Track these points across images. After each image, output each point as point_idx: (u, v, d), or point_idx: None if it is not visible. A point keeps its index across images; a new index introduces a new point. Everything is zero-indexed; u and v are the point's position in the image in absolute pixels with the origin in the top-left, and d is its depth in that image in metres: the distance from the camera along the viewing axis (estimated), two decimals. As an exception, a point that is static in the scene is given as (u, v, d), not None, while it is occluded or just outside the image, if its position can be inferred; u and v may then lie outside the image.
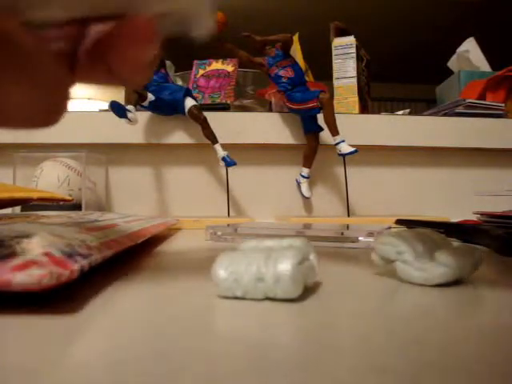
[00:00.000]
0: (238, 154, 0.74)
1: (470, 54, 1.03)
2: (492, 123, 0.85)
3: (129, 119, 0.71)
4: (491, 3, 2.50)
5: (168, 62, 0.91)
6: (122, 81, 0.15)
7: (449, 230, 0.44)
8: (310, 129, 0.78)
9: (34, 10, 0.13)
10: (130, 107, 0.71)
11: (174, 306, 0.18)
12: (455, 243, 0.24)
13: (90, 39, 0.14)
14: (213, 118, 0.75)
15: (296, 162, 0.81)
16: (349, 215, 0.76)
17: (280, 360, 0.12)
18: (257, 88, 0.95)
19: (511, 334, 0.15)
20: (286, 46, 0.76)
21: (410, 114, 0.99)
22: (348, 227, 0.49)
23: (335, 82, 0.88)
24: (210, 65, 0.93)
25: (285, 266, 0.17)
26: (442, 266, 0.21)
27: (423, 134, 0.85)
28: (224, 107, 0.85)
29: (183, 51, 1.08)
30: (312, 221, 0.72)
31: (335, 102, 0.85)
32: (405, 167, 0.88)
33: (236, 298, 0.18)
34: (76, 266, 0.17)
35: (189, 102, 0.74)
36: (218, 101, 0.87)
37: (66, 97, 0.13)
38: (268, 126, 0.82)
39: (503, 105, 0.88)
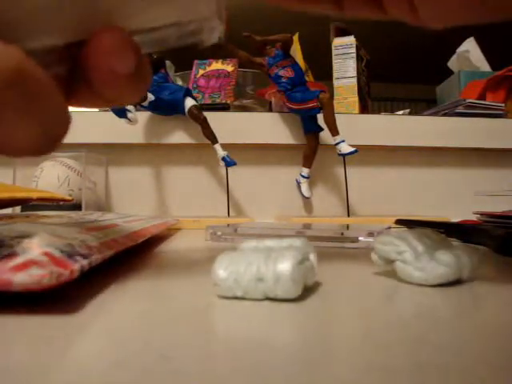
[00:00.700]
0: (237, 154, 0.74)
1: (470, 54, 1.03)
2: (492, 123, 0.85)
3: (129, 119, 0.71)
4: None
5: (168, 62, 0.91)
6: (106, 100, 0.15)
7: (449, 230, 0.44)
8: (310, 129, 0.78)
9: (34, 37, 0.12)
10: (129, 107, 0.71)
11: (173, 305, 0.18)
12: (455, 243, 0.24)
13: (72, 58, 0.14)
14: (213, 117, 0.75)
15: (296, 162, 0.81)
16: (349, 215, 0.76)
17: (280, 360, 0.12)
18: (257, 88, 0.95)
19: (511, 333, 0.15)
20: (286, 45, 0.76)
21: (410, 113, 1.00)
22: (348, 227, 0.49)
23: (335, 82, 0.88)
24: (209, 65, 0.93)
25: (285, 266, 0.17)
26: (442, 265, 0.21)
27: (423, 134, 0.85)
28: (224, 107, 0.85)
29: (183, 51, 1.07)
30: (312, 221, 0.72)
31: (335, 101, 0.85)
32: (405, 167, 0.88)
33: (236, 297, 0.18)
34: (76, 265, 0.17)
35: (189, 102, 0.74)
36: (217, 101, 0.87)
37: (67, 122, 0.13)
38: (268, 126, 0.82)
39: (503, 105, 0.88)
